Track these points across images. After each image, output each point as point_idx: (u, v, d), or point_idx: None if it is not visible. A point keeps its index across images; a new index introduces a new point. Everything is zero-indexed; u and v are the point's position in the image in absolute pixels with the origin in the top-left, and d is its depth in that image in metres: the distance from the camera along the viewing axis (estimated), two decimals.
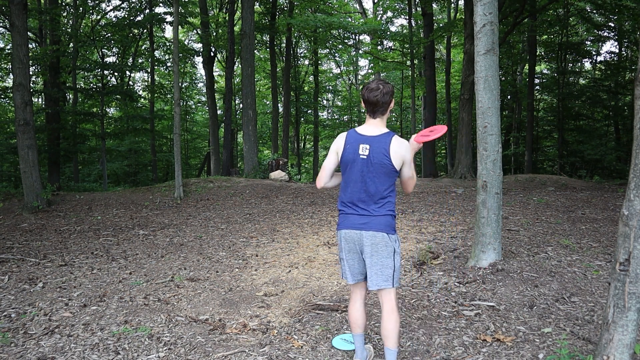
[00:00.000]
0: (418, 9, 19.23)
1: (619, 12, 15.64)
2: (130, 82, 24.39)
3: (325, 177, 2.64)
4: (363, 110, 31.13)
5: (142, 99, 23.54)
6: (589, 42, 21.11)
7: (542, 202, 8.14)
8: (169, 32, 26.87)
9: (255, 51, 18.68)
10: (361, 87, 27.76)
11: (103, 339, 3.23)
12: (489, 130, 4.33)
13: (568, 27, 19.29)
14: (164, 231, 7.17)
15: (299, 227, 7.02)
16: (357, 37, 24.76)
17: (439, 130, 2.70)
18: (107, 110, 21.27)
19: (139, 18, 17.67)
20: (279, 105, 22.53)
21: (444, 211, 7.66)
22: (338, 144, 2.60)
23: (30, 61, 12.26)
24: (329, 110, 32.78)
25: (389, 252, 2.54)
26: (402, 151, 2.51)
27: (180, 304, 3.98)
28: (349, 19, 21.62)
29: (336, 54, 26.26)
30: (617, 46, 20.51)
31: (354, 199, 2.57)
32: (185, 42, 24.89)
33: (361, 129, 2.58)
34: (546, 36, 20.05)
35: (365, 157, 2.51)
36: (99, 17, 19.22)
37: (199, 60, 24.00)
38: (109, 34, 16.93)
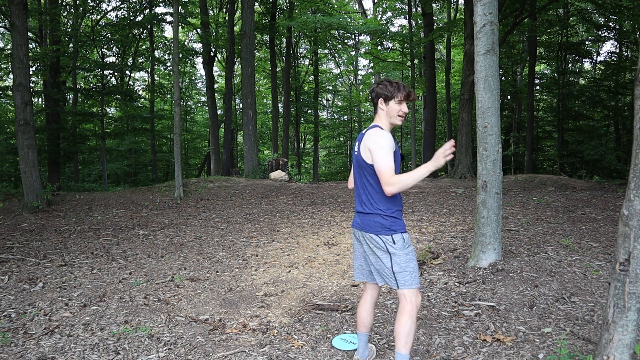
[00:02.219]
0: (418, 9, 19.23)
1: (619, 12, 15.63)
2: (130, 82, 24.40)
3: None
4: (363, 110, 31.15)
5: (142, 99, 23.55)
6: (588, 42, 21.11)
7: (542, 202, 8.14)
8: (168, 32, 26.86)
9: (255, 51, 18.69)
10: (368, 86, 27.77)
11: (103, 339, 3.23)
12: (489, 130, 4.33)
13: (568, 27, 19.30)
14: (164, 231, 7.17)
15: (299, 227, 7.02)
16: (357, 37, 24.77)
17: None
18: (107, 110, 21.28)
19: (139, 18, 17.67)
20: (279, 105, 22.53)
21: (444, 211, 7.66)
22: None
23: (30, 61, 12.27)
24: (329, 110, 32.79)
25: (381, 254, 2.50)
26: (367, 141, 2.47)
27: (180, 304, 3.98)
28: (349, 19, 21.62)
29: (336, 54, 26.27)
30: (617, 46, 20.51)
31: (355, 194, 2.65)
32: (185, 42, 24.91)
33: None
34: (546, 36, 20.05)
35: (356, 153, 2.57)
36: (99, 17, 19.22)
37: (199, 60, 24.01)
38: (109, 34, 16.93)
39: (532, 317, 3.34)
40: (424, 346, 3.02)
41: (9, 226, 7.63)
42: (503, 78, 21.31)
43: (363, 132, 2.58)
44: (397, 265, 2.47)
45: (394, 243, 2.47)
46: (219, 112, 21.05)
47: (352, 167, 2.68)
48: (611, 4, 15.18)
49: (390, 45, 22.35)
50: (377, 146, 2.42)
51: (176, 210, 8.75)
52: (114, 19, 18.68)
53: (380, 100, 2.55)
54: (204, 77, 23.36)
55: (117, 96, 17.80)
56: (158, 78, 24.16)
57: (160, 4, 18.11)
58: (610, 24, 18.42)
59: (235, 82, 21.74)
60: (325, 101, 31.73)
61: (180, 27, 18.57)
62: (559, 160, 19.34)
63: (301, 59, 26.30)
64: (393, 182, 2.37)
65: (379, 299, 3.89)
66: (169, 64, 21.34)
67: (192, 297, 4.15)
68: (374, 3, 24.51)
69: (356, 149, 2.58)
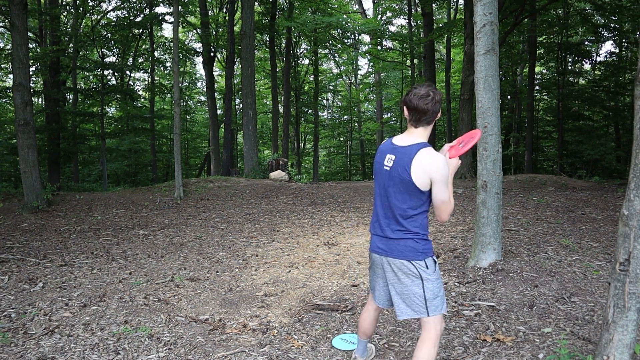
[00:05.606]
0: (418, 9, 19.24)
1: (619, 13, 15.63)
2: (130, 82, 24.41)
3: None
4: (363, 110, 31.15)
5: (142, 99, 23.55)
6: (588, 43, 21.12)
7: (542, 202, 8.14)
8: (168, 31, 26.86)
9: (255, 51, 18.69)
10: (367, 86, 27.48)
11: (103, 339, 3.23)
12: (489, 130, 4.33)
13: (568, 28, 19.30)
14: (164, 231, 7.17)
15: (299, 227, 7.02)
16: (356, 37, 24.79)
17: (473, 136, 2.34)
18: (107, 110, 21.29)
19: (139, 18, 17.67)
20: (279, 105, 22.53)
21: None
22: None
23: (30, 61, 12.26)
24: (329, 110, 32.80)
25: (412, 280, 2.28)
26: (428, 167, 2.16)
27: (180, 304, 3.98)
28: (349, 19, 21.64)
29: (336, 54, 26.29)
30: (617, 47, 20.52)
31: (378, 213, 2.39)
32: (185, 42, 24.91)
33: (397, 139, 2.33)
34: (545, 36, 20.06)
35: (388, 168, 2.28)
36: (99, 17, 19.23)
37: (199, 60, 24.02)
38: (109, 34, 16.93)
39: (532, 317, 3.34)
40: None
41: (9, 226, 7.63)
42: (503, 78, 21.30)
43: (404, 146, 2.26)
44: (429, 292, 2.28)
45: (427, 268, 2.28)
46: (219, 112, 21.05)
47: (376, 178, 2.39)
48: (611, 4, 15.18)
49: (390, 45, 22.38)
50: (443, 176, 2.16)
51: (176, 210, 8.75)
52: (114, 19, 18.68)
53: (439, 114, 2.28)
54: (204, 77, 23.37)
55: (117, 96, 17.80)
56: (158, 78, 24.16)
57: (160, 4, 18.12)
58: (610, 24, 18.42)
59: (235, 82, 21.73)
60: (325, 101, 31.74)
61: (180, 27, 18.58)
62: (559, 160, 19.35)
63: (301, 58, 26.31)
64: (451, 210, 2.27)
65: None
66: (169, 64, 21.33)
67: (192, 297, 4.15)
68: (373, 3, 24.52)
69: (389, 164, 2.28)
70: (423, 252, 2.28)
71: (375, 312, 2.65)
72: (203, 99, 28.91)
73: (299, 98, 24.42)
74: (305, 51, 25.82)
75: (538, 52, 19.75)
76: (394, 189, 2.26)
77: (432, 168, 2.15)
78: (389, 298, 2.45)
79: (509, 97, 22.32)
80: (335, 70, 30.20)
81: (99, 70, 17.11)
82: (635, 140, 2.30)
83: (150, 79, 21.24)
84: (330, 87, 29.49)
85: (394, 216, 2.29)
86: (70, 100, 19.18)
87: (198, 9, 18.66)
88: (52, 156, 14.61)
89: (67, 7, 17.27)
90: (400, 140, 2.31)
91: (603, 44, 22.42)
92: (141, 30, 18.78)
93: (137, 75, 25.46)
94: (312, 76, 25.47)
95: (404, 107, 2.28)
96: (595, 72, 22.22)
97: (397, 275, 2.30)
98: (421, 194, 2.22)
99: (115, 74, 20.83)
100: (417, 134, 2.26)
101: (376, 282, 2.48)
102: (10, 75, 16.55)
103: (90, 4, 17.37)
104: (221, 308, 3.86)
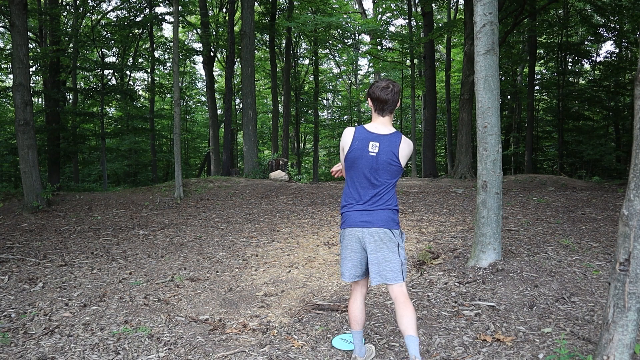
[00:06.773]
0: (418, 9, 19.24)
1: (619, 13, 15.64)
2: (130, 82, 24.40)
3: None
4: (363, 110, 31.15)
5: (142, 99, 23.55)
6: (588, 43, 21.12)
7: (542, 202, 8.14)
8: (168, 31, 26.86)
9: (255, 51, 18.68)
10: (367, 86, 27.62)
11: (103, 339, 3.23)
12: (489, 130, 4.33)
13: (568, 28, 19.31)
14: (164, 231, 7.17)
15: (299, 227, 7.02)
16: (356, 37, 24.79)
17: None
18: (107, 110, 21.29)
19: (139, 18, 17.68)
20: (279, 105, 22.53)
21: (444, 211, 7.66)
22: (345, 141, 2.64)
23: (30, 61, 12.27)
24: (329, 110, 32.79)
25: (392, 247, 2.56)
26: (409, 151, 2.62)
27: (180, 304, 3.98)
28: (349, 19, 21.62)
29: (336, 54, 26.28)
30: (617, 47, 20.51)
31: (357, 195, 2.62)
32: (185, 42, 24.91)
33: (370, 127, 2.62)
34: (545, 37, 20.06)
35: (374, 154, 2.55)
36: (99, 17, 19.23)
37: (199, 60, 24.03)
38: (109, 34, 16.94)
39: (532, 317, 3.34)
40: (424, 346, 3.02)
41: (9, 226, 7.63)
42: (503, 78, 21.31)
43: (386, 134, 2.58)
44: (402, 257, 2.60)
45: (401, 235, 2.64)
46: (219, 112, 21.07)
47: (354, 165, 2.62)
48: (611, 4, 15.18)
49: (389, 45, 22.37)
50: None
51: (176, 210, 8.75)
52: (114, 19, 18.69)
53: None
54: (204, 77, 23.38)
55: (117, 96, 17.81)
56: (158, 78, 24.16)
57: (160, 4, 18.12)
58: (610, 24, 18.43)
59: (235, 82, 21.74)
60: (325, 101, 31.74)
61: (180, 27, 18.58)
62: (559, 160, 19.36)
63: (301, 58, 26.30)
64: None
65: (378, 299, 3.89)
66: (169, 64, 21.32)
67: (192, 297, 4.15)
68: (373, 3, 24.51)
69: (375, 150, 2.56)
70: (397, 222, 2.63)
71: (361, 297, 2.77)
72: (203, 99, 28.91)
73: (299, 98, 24.41)
74: (305, 51, 25.81)
75: (538, 52, 19.75)
76: (381, 172, 2.56)
77: (409, 147, 2.63)
78: (360, 271, 2.68)
79: (509, 97, 22.34)
80: (335, 70, 30.21)
81: (99, 70, 17.11)
82: (635, 140, 2.30)
83: (150, 79, 21.24)
84: (330, 87, 29.49)
85: (378, 193, 2.58)
86: (70, 100, 19.18)
87: (198, 9, 18.68)
88: (52, 156, 14.61)
89: (67, 7, 17.27)
90: (375, 128, 2.61)
91: (603, 44, 22.44)
92: (141, 30, 18.78)
93: (137, 75, 25.47)
94: (312, 76, 25.47)
95: (369, 99, 2.66)
96: (595, 72, 22.22)
97: (378, 245, 2.56)
98: (401, 172, 2.64)
99: (115, 74, 20.83)
100: (386, 122, 2.63)
101: (353, 260, 2.67)
102: (10, 75, 16.56)
103: (90, 4, 17.38)
104: (221, 308, 3.86)
